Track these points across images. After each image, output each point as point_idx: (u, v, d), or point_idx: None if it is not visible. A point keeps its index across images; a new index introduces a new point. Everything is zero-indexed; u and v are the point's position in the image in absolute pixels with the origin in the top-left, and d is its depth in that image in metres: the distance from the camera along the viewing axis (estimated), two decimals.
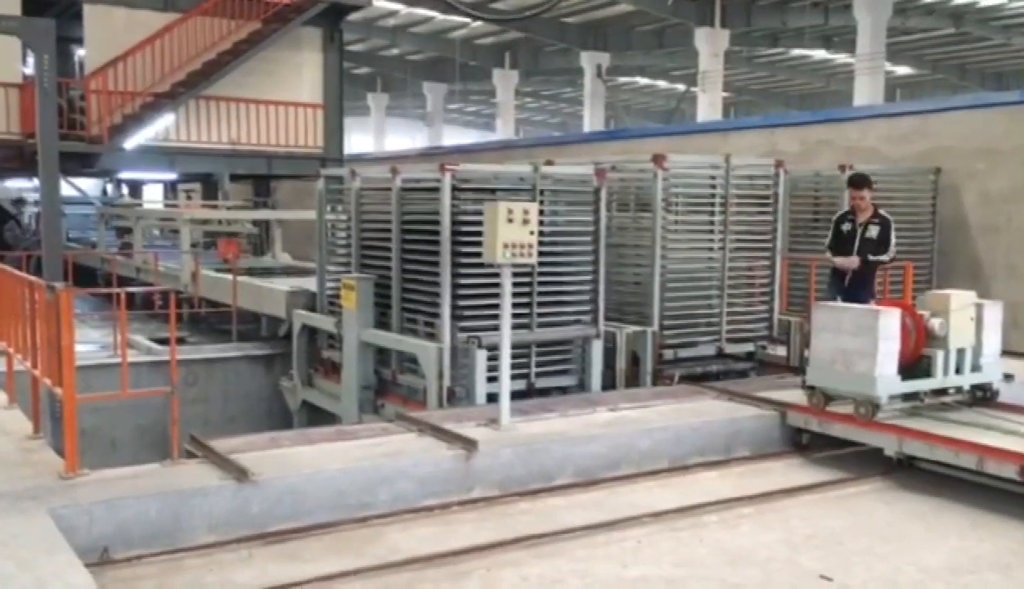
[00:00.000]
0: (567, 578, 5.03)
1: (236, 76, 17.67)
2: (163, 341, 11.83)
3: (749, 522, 5.95)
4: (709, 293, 9.49)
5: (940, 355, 7.21)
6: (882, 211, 8.56)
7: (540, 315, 8.58)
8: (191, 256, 15.00)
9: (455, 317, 8.26)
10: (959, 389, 7.50)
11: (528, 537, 5.52)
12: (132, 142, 17.08)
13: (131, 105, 17.13)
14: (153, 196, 26.98)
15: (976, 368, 7.44)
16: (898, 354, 6.99)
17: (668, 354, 9.11)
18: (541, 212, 8.00)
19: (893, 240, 8.48)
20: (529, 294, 8.46)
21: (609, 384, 8.83)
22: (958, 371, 7.35)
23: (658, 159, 9.01)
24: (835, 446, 7.35)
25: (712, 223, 9.52)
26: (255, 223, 20.15)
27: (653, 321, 9.03)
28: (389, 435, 6.83)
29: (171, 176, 21.47)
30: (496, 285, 7.29)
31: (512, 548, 5.39)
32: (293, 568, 5.05)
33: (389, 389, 9.28)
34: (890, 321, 6.94)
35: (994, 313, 7.57)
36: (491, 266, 7.17)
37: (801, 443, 7.52)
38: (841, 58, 33.42)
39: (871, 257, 8.47)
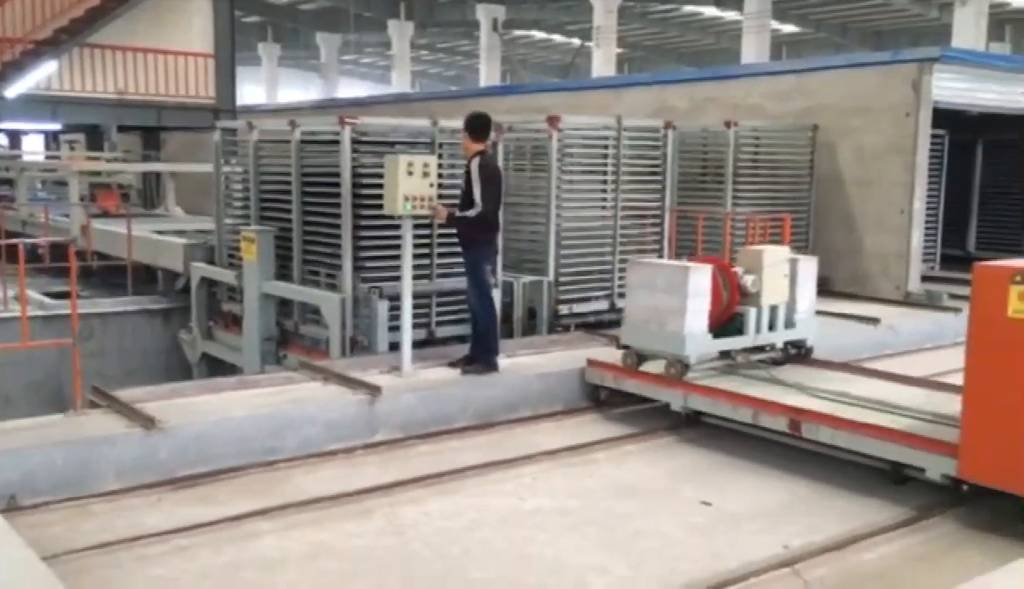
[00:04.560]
0: (466, 511, 5.34)
1: (123, 23, 17.13)
2: (55, 295, 11.63)
3: (635, 458, 6.38)
4: (602, 249, 9.84)
5: (753, 312, 7.12)
6: (475, 161, 7.23)
7: (439, 266, 8.78)
8: (81, 208, 14.63)
9: (356, 268, 8.41)
10: (773, 346, 7.47)
11: (429, 476, 5.81)
12: (12, 91, 16.44)
13: (10, 52, 16.45)
14: (33, 147, 25.93)
15: (790, 324, 7.39)
16: (709, 312, 6.86)
17: (564, 309, 9.44)
18: (440, 166, 8.18)
19: (477, 193, 7.19)
20: (429, 245, 8.64)
21: (507, 335, 9.11)
22: (771, 328, 7.28)
23: (552, 121, 9.25)
24: (633, 402, 7.32)
25: (605, 182, 9.84)
26: (145, 176, 19.72)
27: (549, 277, 9.34)
28: (294, 384, 7.00)
29: (55, 127, 20.71)
30: (397, 237, 7.45)
31: (414, 487, 5.67)
32: (202, 510, 5.22)
33: (291, 340, 9.39)
34: (700, 278, 6.79)
35: (808, 269, 7.54)
36: (392, 218, 7.36)
37: (599, 399, 7.48)
38: (730, 16, 34.24)
39: (457, 213, 7.37)
